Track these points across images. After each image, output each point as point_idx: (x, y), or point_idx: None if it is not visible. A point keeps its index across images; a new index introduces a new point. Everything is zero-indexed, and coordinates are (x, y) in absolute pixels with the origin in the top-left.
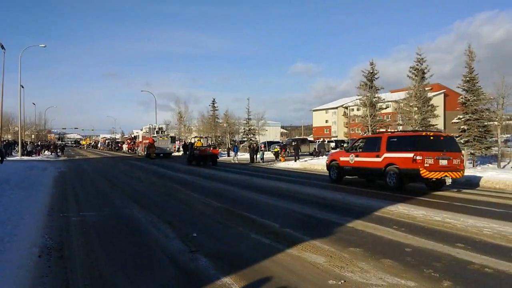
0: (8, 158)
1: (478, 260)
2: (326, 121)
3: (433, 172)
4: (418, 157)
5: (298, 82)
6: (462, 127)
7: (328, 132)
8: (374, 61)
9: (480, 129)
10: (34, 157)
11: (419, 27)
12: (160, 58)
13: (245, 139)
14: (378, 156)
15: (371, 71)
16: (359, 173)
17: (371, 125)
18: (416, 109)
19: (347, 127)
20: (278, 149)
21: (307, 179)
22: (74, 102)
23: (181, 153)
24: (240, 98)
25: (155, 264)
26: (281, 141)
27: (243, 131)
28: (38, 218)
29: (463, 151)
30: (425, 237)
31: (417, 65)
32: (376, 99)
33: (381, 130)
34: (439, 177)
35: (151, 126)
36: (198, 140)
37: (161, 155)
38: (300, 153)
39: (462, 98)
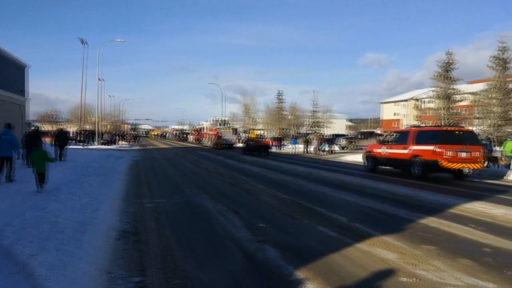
0: (88, 147)
1: None
2: (396, 114)
3: (452, 163)
4: (438, 150)
5: (368, 74)
6: None
7: (397, 126)
8: (453, 50)
9: None
10: (110, 146)
11: (506, 11)
12: (228, 51)
13: (311, 131)
14: (406, 149)
15: (448, 61)
16: (390, 163)
17: (445, 118)
18: (497, 101)
19: (418, 120)
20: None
21: (357, 170)
22: (147, 95)
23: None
24: (307, 90)
25: (224, 251)
26: (347, 134)
27: (309, 123)
28: (115, 203)
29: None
30: (506, 237)
31: (499, 54)
32: (452, 91)
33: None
34: (458, 168)
35: (215, 119)
36: (252, 132)
37: (225, 146)
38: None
39: None
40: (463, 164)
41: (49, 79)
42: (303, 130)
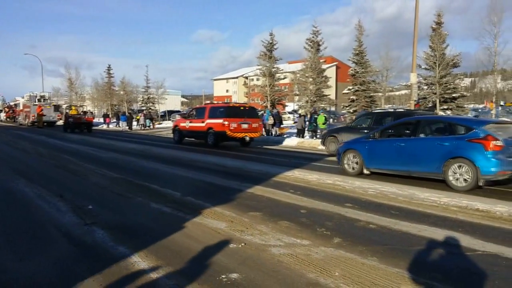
0: None
1: (364, 217)
2: (227, 91)
3: (236, 133)
4: (225, 122)
5: (201, 50)
6: (351, 97)
7: (228, 102)
8: (276, 31)
9: (367, 100)
10: None
11: None
12: (49, 18)
13: (144, 107)
14: (203, 122)
15: (271, 42)
16: (192, 135)
17: (269, 95)
18: (311, 80)
19: (247, 97)
20: (140, 117)
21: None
22: None
23: None
24: (140, 65)
25: (46, 239)
26: (181, 110)
27: (141, 99)
28: None
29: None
30: (318, 199)
31: (313, 37)
32: (275, 69)
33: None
34: (241, 136)
35: (32, 94)
36: (73, 108)
37: (45, 124)
38: None
39: (352, 70)
40: (245, 134)
41: None
42: (136, 106)
